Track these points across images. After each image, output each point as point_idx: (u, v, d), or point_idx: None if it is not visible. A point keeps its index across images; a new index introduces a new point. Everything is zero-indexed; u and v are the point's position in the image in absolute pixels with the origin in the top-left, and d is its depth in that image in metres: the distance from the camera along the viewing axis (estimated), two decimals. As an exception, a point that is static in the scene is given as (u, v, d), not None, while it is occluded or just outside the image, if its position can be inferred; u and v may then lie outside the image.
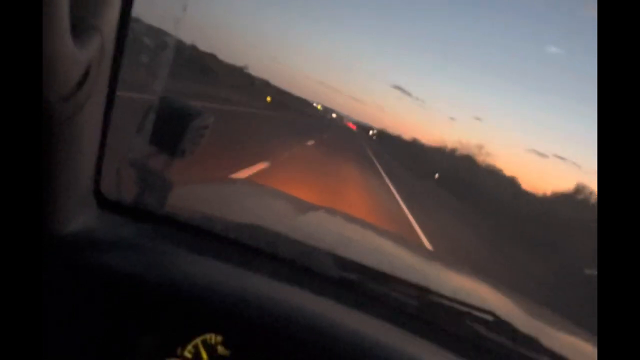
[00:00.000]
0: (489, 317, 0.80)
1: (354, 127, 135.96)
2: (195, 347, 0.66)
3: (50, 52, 0.42)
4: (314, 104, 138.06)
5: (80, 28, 0.47)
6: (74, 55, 0.47)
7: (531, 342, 0.78)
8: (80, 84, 0.50)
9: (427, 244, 7.63)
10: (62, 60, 0.44)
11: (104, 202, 0.75)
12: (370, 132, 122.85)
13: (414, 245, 2.11)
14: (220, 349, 0.66)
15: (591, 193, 25.08)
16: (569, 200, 25.52)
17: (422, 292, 0.82)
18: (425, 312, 0.79)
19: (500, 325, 0.79)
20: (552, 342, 0.83)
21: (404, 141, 79.67)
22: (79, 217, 0.68)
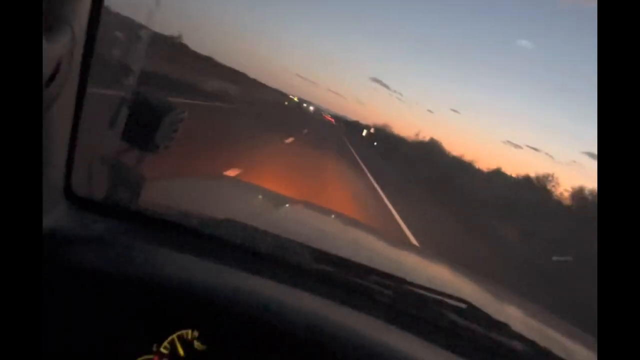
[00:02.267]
0: (463, 305, 0.82)
1: (332, 120, 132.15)
2: (172, 343, 0.66)
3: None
4: (290, 96, 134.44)
5: (50, 21, 0.46)
6: (43, 51, 0.46)
7: (502, 328, 0.81)
8: (50, 79, 0.49)
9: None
10: None
11: (75, 199, 0.73)
12: (365, 132, 73.18)
13: (391, 238, 2.14)
14: (197, 344, 0.66)
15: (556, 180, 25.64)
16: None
17: (397, 282, 0.83)
18: (400, 302, 0.81)
19: (473, 312, 0.82)
20: (522, 327, 0.85)
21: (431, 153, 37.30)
22: (50, 214, 0.67)
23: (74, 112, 0.62)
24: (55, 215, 0.69)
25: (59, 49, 0.49)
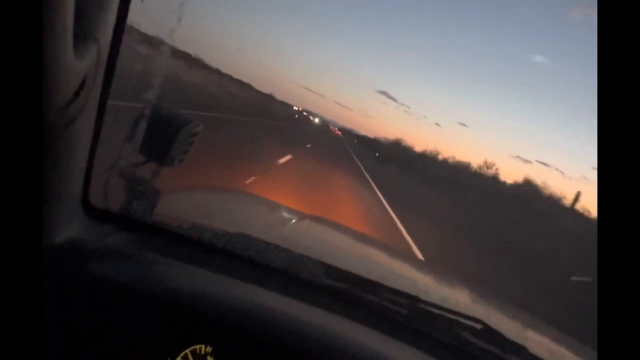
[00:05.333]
0: (478, 325, 0.81)
1: (339, 134, 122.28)
2: (185, 357, 0.65)
3: (51, 64, 0.42)
4: (294, 107, 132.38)
5: (79, 38, 0.47)
6: (73, 67, 0.46)
7: (519, 350, 0.80)
8: (76, 94, 0.49)
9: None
10: (61, 71, 0.44)
11: (92, 212, 0.74)
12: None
13: (403, 254, 2.13)
14: None
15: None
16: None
17: (411, 300, 0.83)
18: (414, 320, 0.80)
19: (488, 333, 0.80)
20: (539, 349, 0.84)
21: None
22: (68, 226, 0.68)
23: (95, 126, 0.62)
24: (73, 227, 0.69)
25: (85, 65, 0.50)
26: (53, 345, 0.64)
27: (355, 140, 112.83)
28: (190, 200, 1.35)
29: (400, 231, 8.62)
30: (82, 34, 0.48)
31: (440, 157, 52.49)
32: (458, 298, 1.31)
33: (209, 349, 0.65)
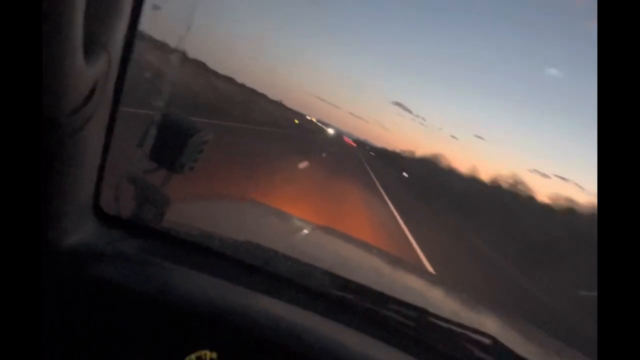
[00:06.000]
0: (487, 341, 0.79)
1: (353, 144, 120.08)
2: None
3: (60, 68, 0.42)
4: (307, 117, 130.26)
5: (90, 45, 0.48)
6: (82, 72, 0.47)
7: None
8: (87, 99, 0.50)
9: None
10: (71, 76, 0.45)
11: (102, 216, 0.75)
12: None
13: (413, 267, 2.10)
14: None
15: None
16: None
17: (420, 313, 0.81)
18: (423, 334, 0.79)
19: (498, 348, 0.79)
20: None
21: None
22: (78, 230, 0.68)
23: (106, 131, 0.63)
24: (84, 231, 0.70)
25: (96, 71, 0.51)
26: (58, 348, 0.65)
27: (372, 154, 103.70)
28: (200, 208, 1.35)
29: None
30: (93, 41, 0.49)
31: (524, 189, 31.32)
32: (468, 312, 1.29)
33: (214, 354, 0.65)
